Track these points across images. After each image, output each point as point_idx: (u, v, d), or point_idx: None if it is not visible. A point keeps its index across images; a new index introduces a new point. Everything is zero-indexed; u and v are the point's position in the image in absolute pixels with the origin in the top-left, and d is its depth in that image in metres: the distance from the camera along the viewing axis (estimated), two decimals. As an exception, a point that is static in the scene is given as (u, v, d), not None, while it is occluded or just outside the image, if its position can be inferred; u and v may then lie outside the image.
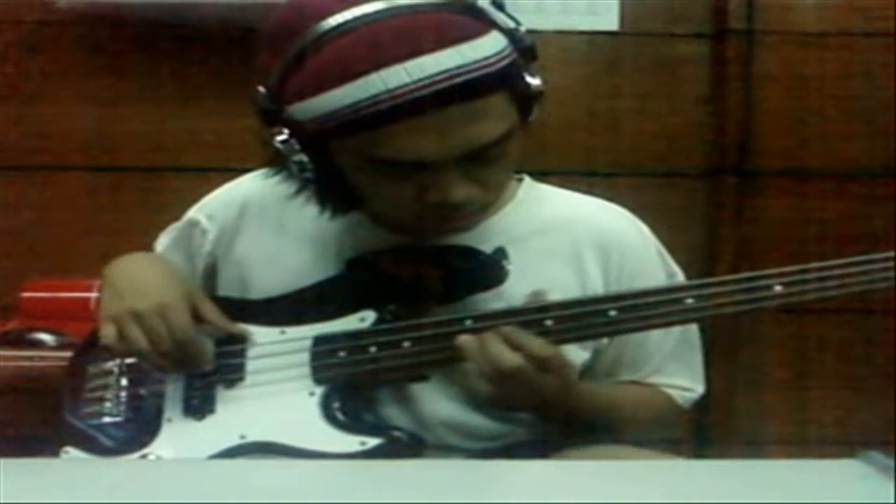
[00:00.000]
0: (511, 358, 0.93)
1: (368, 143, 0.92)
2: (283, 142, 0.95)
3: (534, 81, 0.96)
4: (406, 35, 0.88)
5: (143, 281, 1.06)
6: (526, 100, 0.96)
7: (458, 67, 0.88)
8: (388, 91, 0.87)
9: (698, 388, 1.16)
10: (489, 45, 0.91)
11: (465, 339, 0.95)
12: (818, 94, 1.87)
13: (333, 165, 0.97)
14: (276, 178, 1.03)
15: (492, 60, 0.90)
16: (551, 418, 1.05)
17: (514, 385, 0.94)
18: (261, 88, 0.95)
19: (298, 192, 1.02)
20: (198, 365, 1.04)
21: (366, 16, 0.89)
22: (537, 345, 0.94)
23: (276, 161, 1.00)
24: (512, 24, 0.94)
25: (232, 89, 1.70)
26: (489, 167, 0.96)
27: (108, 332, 1.02)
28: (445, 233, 1.04)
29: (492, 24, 0.92)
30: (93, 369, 1.10)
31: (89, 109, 1.87)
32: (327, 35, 0.89)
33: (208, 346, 1.05)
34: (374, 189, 0.98)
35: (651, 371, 1.13)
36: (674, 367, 1.13)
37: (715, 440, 1.85)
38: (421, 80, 0.87)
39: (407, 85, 0.87)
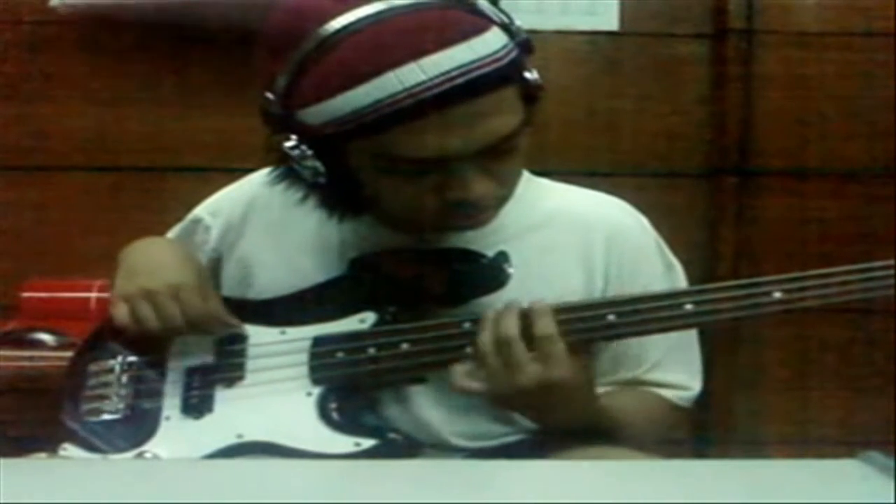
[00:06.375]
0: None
1: (387, 143, 0.91)
2: (292, 147, 0.94)
3: (533, 76, 0.96)
4: (415, 33, 0.88)
5: (157, 262, 1.07)
6: (531, 93, 0.96)
7: (471, 63, 0.88)
8: (406, 90, 0.87)
9: (696, 386, 1.16)
10: (494, 41, 0.91)
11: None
12: (818, 94, 1.87)
13: (347, 168, 0.96)
14: (282, 185, 1.02)
15: (500, 55, 0.91)
16: (554, 426, 1.03)
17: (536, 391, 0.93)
18: (268, 94, 0.94)
19: (305, 198, 1.02)
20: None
21: (371, 16, 0.88)
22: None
23: (284, 167, 1.00)
24: (507, 20, 0.95)
25: (232, 89, 1.70)
26: (502, 161, 0.96)
27: (120, 312, 1.03)
28: (456, 228, 1.03)
29: (490, 21, 0.92)
30: (94, 367, 1.10)
31: (89, 109, 1.87)
32: (334, 37, 0.88)
33: (219, 329, 1.05)
34: (391, 190, 0.97)
35: (651, 366, 1.12)
36: (673, 363, 1.13)
37: (715, 440, 1.85)
38: (436, 77, 0.87)
39: (424, 83, 0.87)
